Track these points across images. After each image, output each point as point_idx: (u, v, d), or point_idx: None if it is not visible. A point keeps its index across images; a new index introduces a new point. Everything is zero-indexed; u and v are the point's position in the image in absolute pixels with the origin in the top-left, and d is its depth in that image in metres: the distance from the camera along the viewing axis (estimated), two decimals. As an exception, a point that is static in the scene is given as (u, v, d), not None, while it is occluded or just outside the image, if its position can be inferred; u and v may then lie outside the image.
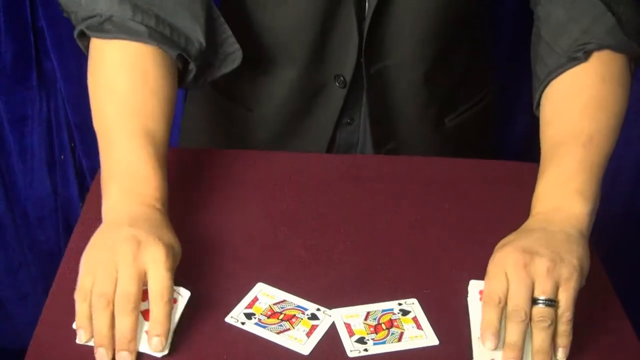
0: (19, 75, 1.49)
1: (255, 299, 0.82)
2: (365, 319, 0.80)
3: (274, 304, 0.82)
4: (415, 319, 0.81)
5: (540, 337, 0.76)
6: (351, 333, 0.79)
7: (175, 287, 0.78)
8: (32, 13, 1.43)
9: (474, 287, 0.82)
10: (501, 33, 1.50)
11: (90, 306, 0.75)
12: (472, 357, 0.77)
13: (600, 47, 0.93)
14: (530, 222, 0.88)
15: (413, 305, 0.83)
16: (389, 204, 0.99)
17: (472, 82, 1.19)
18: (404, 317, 0.81)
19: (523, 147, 1.65)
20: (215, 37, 0.99)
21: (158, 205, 0.85)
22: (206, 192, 0.98)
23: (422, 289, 0.85)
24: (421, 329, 0.80)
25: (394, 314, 0.81)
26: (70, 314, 0.78)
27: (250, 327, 0.79)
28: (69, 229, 1.65)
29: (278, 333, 0.78)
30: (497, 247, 0.84)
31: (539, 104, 0.98)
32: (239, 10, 1.08)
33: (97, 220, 0.93)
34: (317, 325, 0.79)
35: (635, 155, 1.65)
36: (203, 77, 1.01)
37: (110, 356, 0.74)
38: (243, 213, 0.96)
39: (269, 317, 0.80)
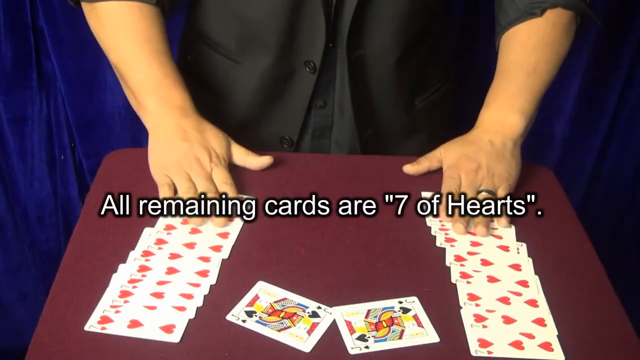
0: (19, 75, 1.49)
1: (256, 297, 0.82)
2: (366, 316, 0.81)
3: (275, 302, 0.82)
4: (415, 317, 0.81)
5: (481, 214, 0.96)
6: (352, 331, 0.79)
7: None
8: (32, 13, 1.43)
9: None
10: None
11: (174, 192, 0.95)
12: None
13: (554, 6, 1.12)
14: (478, 132, 1.08)
15: (414, 303, 0.83)
16: (389, 203, 0.99)
17: (438, 65, 1.26)
18: (405, 315, 0.81)
19: (523, 147, 1.65)
20: None
21: (188, 104, 1.04)
22: (207, 191, 0.98)
23: (423, 287, 0.85)
24: (422, 326, 0.80)
25: (395, 311, 0.81)
26: (71, 314, 0.78)
27: (251, 325, 0.79)
28: (69, 229, 1.65)
29: (279, 331, 0.78)
30: (449, 158, 1.05)
31: (498, 45, 1.16)
32: (216, 1, 1.15)
33: (97, 220, 0.93)
34: (318, 323, 0.79)
35: (635, 155, 1.65)
36: (173, 6, 1.14)
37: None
38: (244, 212, 0.96)
39: (269, 315, 0.80)
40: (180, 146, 0.99)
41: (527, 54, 1.11)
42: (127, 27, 1.07)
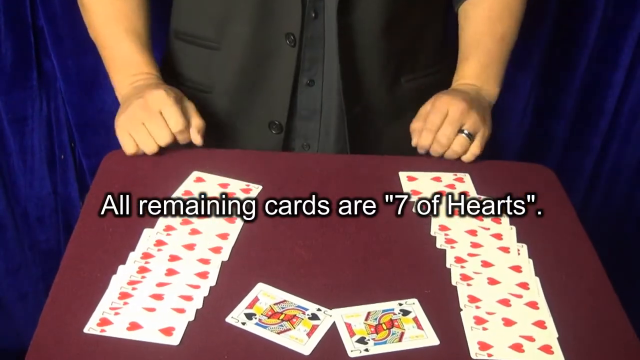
0: (19, 75, 1.48)
1: (256, 299, 0.82)
2: (366, 319, 0.80)
3: (275, 304, 0.82)
4: (415, 319, 0.81)
5: (458, 142, 1.08)
6: (352, 333, 0.79)
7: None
8: (32, 13, 1.43)
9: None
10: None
11: (134, 142, 1.04)
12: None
13: None
14: (464, 88, 1.15)
15: (413, 305, 0.83)
16: (389, 203, 0.99)
17: (428, 44, 1.24)
18: (405, 317, 0.81)
19: (523, 147, 1.65)
20: None
21: (155, 79, 1.13)
22: (206, 192, 0.98)
23: (423, 288, 0.85)
24: (422, 329, 0.80)
25: (395, 314, 0.81)
26: (70, 316, 0.78)
27: (250, 327, 0.79)
28: (69, 229, 1.65)
29: (279, 333, 0.78)
30: (437, 96, 1.11)
31: (457, 12, 1.22)
32: None
33: (97, 220, 0.93)
34: (317, 325, 0.79)
35: (635, 155, 1.65)
36: None
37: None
38: (243, 213, 0.96)
39: (269, 317, 0.80)
40: (136, 103, 1.06)
41: (493, 23, 1.18)
42: (104, 6, 1.15)
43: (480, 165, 1.09)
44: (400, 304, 0.83)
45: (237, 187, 1.00)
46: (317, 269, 0.87)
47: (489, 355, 0.77)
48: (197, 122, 1.07)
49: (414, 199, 1.01)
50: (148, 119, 1.04)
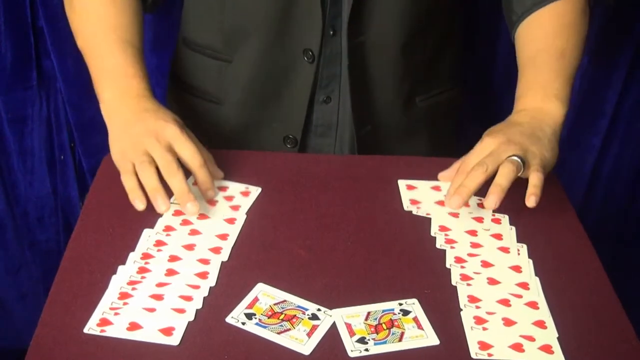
0: (19, 75, 1.48)
1: (256, 299, 0.82)
2: (366, 319, 0.80)
3: (275, 304, 0.82)
4: (415, 319, 0.81)
5: (503, 174, 0.92)
6: (352, 333, 0.79)
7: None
8: (32, 13, 1.43)
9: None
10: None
11: (136, 180, 0.92)
12: None
13: None
14: (516, 117, 1.04)
15: (414, 305, 0.83)
16: (389, 204, 0.99)
17: (445, 62, 1.21)
18: (405, 317, 0.81)
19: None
20: None
21: (146, 93, 1.02)
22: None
23: (423, 289, 0.85)
24: (422, 329, 0.80)
25: (395, 314, 0.81)
26: (70, 317, 0.78)
27: (250, 327, 0.79)
28: (69, 229, 1.65)
29: (279, 333, 0.78)
30: (486, 133, 1.00)
31: (514, 36, 1.13)
32: None
33: (97, 220, 0.93)
34: (317, 326, 0.79)
35: (635, 155, 1.65)
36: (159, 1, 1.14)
37: (169, 203, 0.92)
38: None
39: (269, 317, 0.80)
40: (137, 127, 0.97)
41: (551, 39, 1.08)
42: (96, 13, 1.07)
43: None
44: (400, 304, 0.83)
45: (236, 190, 1.00)
46: (317, 269, 0.87)
47: (489, 355, 0.77)
48: (208, 154, 1.00)
49: (413, 210, 0.98)
50: (160, 156, 0.94)
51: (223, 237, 0.91)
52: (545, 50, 1.08)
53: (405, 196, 1.01)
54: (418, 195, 1.01)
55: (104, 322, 0.77)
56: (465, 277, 0.87)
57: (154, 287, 0.83)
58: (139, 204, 0.92)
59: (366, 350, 0.77)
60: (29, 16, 1.43)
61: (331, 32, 1.08)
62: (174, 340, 0.76)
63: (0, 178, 1.59)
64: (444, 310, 0.83)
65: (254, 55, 1.11)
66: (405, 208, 0.98)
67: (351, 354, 0.76)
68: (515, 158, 0.94)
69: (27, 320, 1.77)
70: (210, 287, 0.83)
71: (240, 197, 0.98)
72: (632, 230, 1.75)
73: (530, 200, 0.92)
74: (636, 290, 1.57)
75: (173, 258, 0.87)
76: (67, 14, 1.11)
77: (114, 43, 1.04)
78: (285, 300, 0.82)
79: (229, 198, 0.98)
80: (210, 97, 1.18)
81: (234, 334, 0.78)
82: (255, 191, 1.00)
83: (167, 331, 0.77)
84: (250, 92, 1.15)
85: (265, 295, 0.83)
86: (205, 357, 0.75)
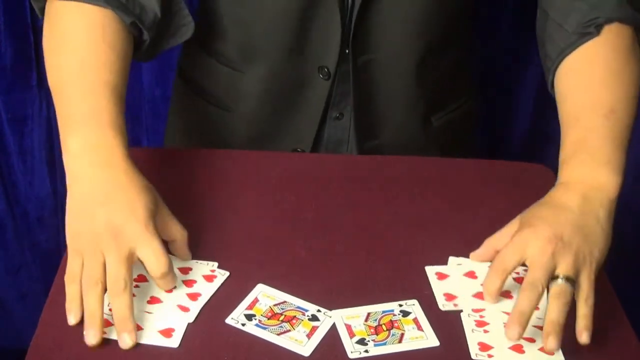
0: (19, 75, 1.49)
1: (256, 300, 0.82)
2: (366, 320, 0.80)
3: (275, 305, 0.82)
4: (415, 320, 0.81)
5: (556, 309, 0.76)
6: (352, 334, 0.79)
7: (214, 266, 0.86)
8: (32, 13, 1.43)
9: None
10: (502, 34, 1.50)
11: (80, 288, 0.77)
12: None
13: (609, 21, 0.94)
14: (564, 196, 0.87)
15: (414, 306, 0.83)
16: (389, 204, 0.99)
17: (459, 80, 1.18)
18: (405, 318, 0.81)
19: (523, 147, 1.65)
20: (169, 7, 0.99)
21: (118, 159, 0.83)
22: (206, 193, 0.98)
23: (423, 290, 0.85)
24: (422, 330, 0.80)
25: (395, 315, 0.81)
26: (71, 315, 0.78)
27: (250, 328, 0.79)
28: (68, 229, 1.65)
29: (278, 334, 0.78)
30: (524, 218, 0.85)
31: (552, 84, 0.99)
32: (216, 6, 1.08)
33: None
34: (317, 327, 0.79)
35: (635, 155, 1.65)
36: (155, 48, 1.01)
37: (100, 338, 0.75)
38: (243, 214, 0.95)
39: (269, 319, 0.80)
40: (98, 215, 0.79)
41: (597, 91, 0.92)
42: (84, 49, 0.89)
43: (480, 166, 1.08)
44: (400, 305, 0.83)
45: (198, 273, 0.85)
46: (317, 270, 0.87)
47: (489, 356, 0.77)
48: (181, 234, 0.85)
49: (449, 307, 0.83)
50: (111, 266, 0.76)
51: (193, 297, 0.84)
52: (589, 106, 0.91)
53: (438, 290, 0.85)
54: (452, 287, 0.86)
55: (104, 322, 0.77)
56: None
57: (154, 289, 0.82)
58: (71, 319, 0.77)
59: (366, 351, 0.77)
60: (29, 16, 1.43)
61: (347, 51, 1.05)
62: (174, 342, 0.76)
63: (0, 178, 1.59)
64: (444, 311, 0.82)
65: (268, 70, 1.09)
66: (442, 307, 0.83)
67: (351, 355, 0.76)
68: (567, 285, 0.78)
69: (27, 320, 1.77)
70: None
71: (202, 283, 0.85)
72: (632, 231, 1.75)
73: (584, 337, 0.77)
74: (636, 290, 1.57)
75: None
76: (44, 44, 0.94)
77: (94, 84, 0.87)
78: (285, 301, 0.82)
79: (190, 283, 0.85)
80: (219, 103, 1.15)
81: (234, 335, 0.78)
82: (221, 276, 0.85)
83: (167, 332, 0.77)
84: (263, 105, 1.12)
85: (265, 296, 0.83)
86: (205, 359, 0.75)
